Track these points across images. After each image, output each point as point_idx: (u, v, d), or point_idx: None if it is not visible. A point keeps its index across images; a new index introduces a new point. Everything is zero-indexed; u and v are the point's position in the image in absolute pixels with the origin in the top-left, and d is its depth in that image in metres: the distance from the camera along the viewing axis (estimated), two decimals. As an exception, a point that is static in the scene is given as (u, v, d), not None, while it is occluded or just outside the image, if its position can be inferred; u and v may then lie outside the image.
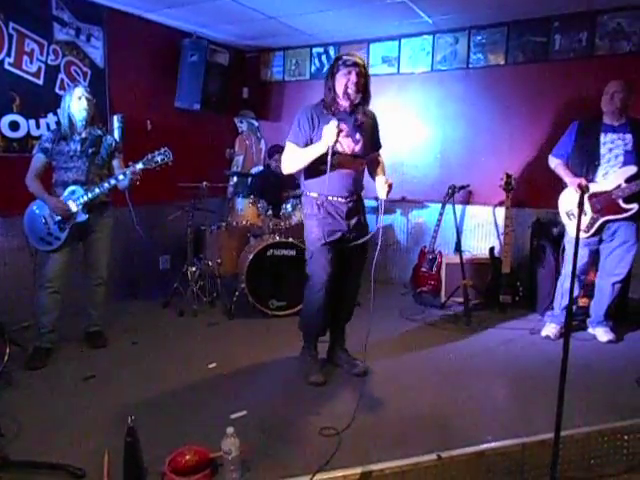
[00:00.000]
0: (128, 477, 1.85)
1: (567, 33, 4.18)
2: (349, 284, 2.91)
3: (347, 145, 2.68)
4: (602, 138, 3.33)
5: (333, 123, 2.49)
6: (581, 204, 1.82)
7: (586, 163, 3.37)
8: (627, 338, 3.53)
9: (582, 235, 3.38)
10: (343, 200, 2.72)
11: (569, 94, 4.21)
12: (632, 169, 3.23)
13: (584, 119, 3.49)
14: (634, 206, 3.23)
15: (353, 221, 2.76)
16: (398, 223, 5.11)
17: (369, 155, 2.83)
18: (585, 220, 3.36)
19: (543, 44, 4.29)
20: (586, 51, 4.13)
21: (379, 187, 2.67)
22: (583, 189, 1.95)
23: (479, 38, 4.55)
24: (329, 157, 2.52)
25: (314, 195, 2.74)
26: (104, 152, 3.11)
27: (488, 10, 4.11)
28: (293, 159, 2.70)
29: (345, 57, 2.64)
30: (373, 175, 2.86)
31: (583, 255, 3.39)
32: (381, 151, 2.98)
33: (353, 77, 2.59)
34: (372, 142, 2.83)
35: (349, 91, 2.61)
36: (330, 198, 2.71)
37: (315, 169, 2.67)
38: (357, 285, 2.96)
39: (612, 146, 3.31)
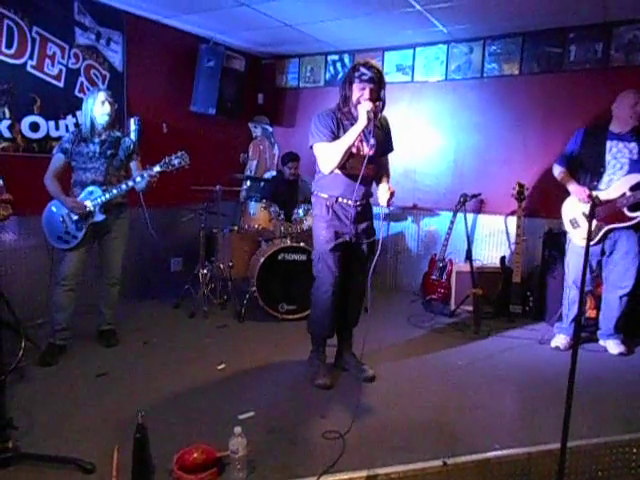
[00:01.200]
0: (136, 473, 1.88)
1: (582, 44, 4.18)
2: (355, 288, 2.92)
3: (361, 149, 2.70)
4: (608, 145, 3.34)
5: (368, 103, 2.53)
6: (592, 215, 1.82)
7: (591, 169, 3.38)
8: (638, 351, 3.50)
9: (585, 243, 3.36)
10: (352, 203, 2.74)
11: (583, 105, 4.21)
12: (637, 177, 3.23)
13: (590, 126, 3.50)
14: (639, 214, 3.22)
15: (361, 226, 2.80)
16: (409, 230, 5.12)
17: (380, 159, 2.86)
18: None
19: (558, 55, 4.29)
20: (601, 62, 4.13)
21: (381, 194, 2.69)
22: (594, 200, 1.94)
23: (494, 48, 4.56)
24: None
25: (324, 196, 2.77)
26: (122, 154, 3.17)
27: (503, 21, 4.13)
28: (331, 152, 2.61)
29: (362, 70, 2.60)
30: (377, 181, 2.87)
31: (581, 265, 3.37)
32: (394, 158, 3.00)
33: (367, 94, 2.62)
34: (385, 147, 2.87)
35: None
36: (340, 200, 2.74)
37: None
38: (363, 289, 2.97)
39: (617, 154, 3.32)
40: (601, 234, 3.33)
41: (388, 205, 2.68)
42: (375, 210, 3.02)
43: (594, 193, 3.29)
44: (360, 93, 2.62)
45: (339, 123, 2.69)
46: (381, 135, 2.80)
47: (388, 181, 2.86)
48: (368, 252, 2.87)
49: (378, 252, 2.64)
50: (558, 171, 3.57)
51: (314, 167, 2.85)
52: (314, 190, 2.86)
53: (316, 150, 2.70)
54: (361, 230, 2.81)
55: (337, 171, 2.72)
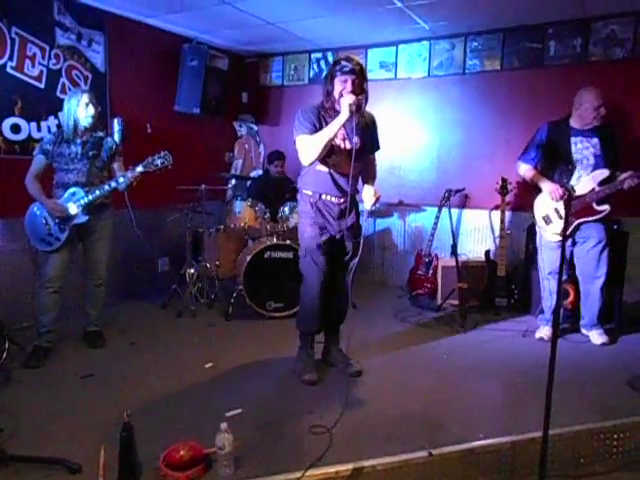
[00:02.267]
0: (123, 471, 1.88)
1: (562, 39, 4.24)
2: (341, 286, 2.92)
3: (345, 147, 2.71)
4: (572, 141, 3.42)
5: (350, 96, 2.54)
6: (568, 208, 1.86)
7: (560, 167, 3.46)
8: (621, 341, 3.56)
9: (556, 238, 3.49)
10: (336, 200, 2.76)
11: (564, 99, 4.22)
12: (604, 172, 3.34)
13: (552, 122, 3.56)
14: (606, 207, 3.35)
15: (345, 222, 2.80)
16: (395, 226, 5.15)
17: (366, 157, 2.87)
18: (561, 223, 3.44)
19: (538, 50, 4.35)
20: (580, 57, 4.19)
21: (366, 197, 2.71)
22: (570, 193, 1.98)
23: (475, 44, 4.61)
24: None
25: (308, 193, 2.78)
26: (104, 155, 3.16)
27: (484, 17, 4.18)
28: (311, 143, 2.60)
29: (343, 62, 2.63)
30: (363, 181, 2.89)
31: (557, 258, 3.46)
32: (379, 155, 3.00)
33: (349, 86, 2.61)
34: (370, 144, 2.86)
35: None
36: (324, 197, 2.75)
37: (312, 168, 2.73)
38: (349, 285, 2.92)
39: (584, 150, 3.40)
40: (572, 228, 3.42)
41: (372, 206, 2.70)
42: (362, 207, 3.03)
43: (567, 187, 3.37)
44: (342, 86, 2.62)
45: (321, 118, 2.69)
46: (366, 133, 2.79)
47: (373, 183, 2.85)
48: (353, 250, 2.87)
49: (359, 253, 2.67)
50: (525, 169, 3.60)
51: (300, 165, 2.85)
52: (299, 187, 2.87)
53: (298, 142, 2.69)
54: (346, 227, 2.81)
55: (321, 168, 2.73)
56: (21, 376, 2.84)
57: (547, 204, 3.52)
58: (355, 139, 2.61)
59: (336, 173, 2.72)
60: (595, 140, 3.39)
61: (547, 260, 3.59)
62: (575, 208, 3.33)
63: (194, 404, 2.58)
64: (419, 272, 4.56)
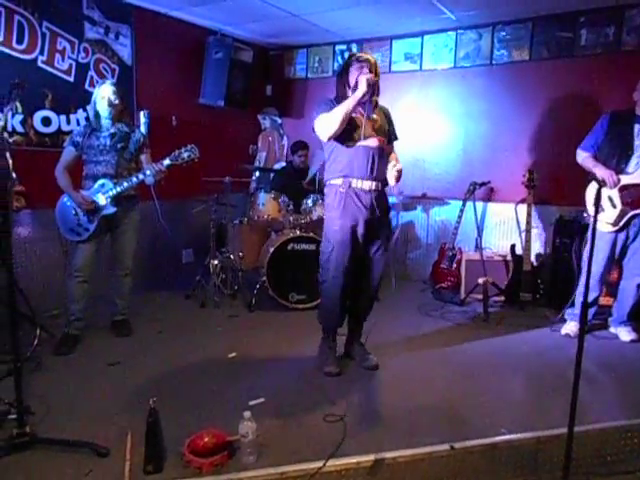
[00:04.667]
0: (149, 456, 1.93)
1: (594, 28, 4.12)
2: (367, 280, 2.88)
3: (366, 122, 2.68)
4: (636, 128, 3.25)
5: (367, 74, 2.59)
6: (598, 199, 1.81)
7: (618, 153, 3.29)
8: (650, 338, 3.48)
9: (609, 228, 3.32)
10: (367, 188, 2.69)
11: (595, 90, 4.15)
12: None
13: (616, 111, 3.42)
14: None
15: (375, 214, 2.74)
16: (419, 220, 5.11)
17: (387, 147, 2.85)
18: (614, 213, 3.30)
19: (569, 39, 4.24)
20: (613, 46, 4.07)
21: (388, 171, 2.70)
22: (600, 184, 1.91)
23: (503, 34, 4.52)
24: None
25: (337, 182, 2.73)
26: (132, 147, 3.21)
27: (513, 5, 4.08)
28: (330, 116, 2.60)
29: (358, 54, 2.76)
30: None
31: (606, 251, 3.33)
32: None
33: (365, 71, 2.65)
34: (389, 134, 2.86)
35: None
36: (354, 185, 2.69)
37: (339, 148, 2.72)
38: (377, 281, 2.90)
39: None
40: (626, 219, 3.26)
41: (396, 181, 2.68)
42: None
43: (621, 177, 3.22)
44: (358, 72, 2.67)
45: None
46: (383, 119, 2.81)
47: (397, 161, 2.81)
48: (383, 244, 2.82)
49: (389, 247, 2.65)
50: (582, 157, 3.46)
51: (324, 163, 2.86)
52: (326, 180, 2.85)
53: (316, 122, 2.69)
54: (376, 219, 2.75)
55: (349, 143, 2.69)
56: (51, 363, 2.93)
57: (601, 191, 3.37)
58: (374, 115, 2.70)
59: (364, 148, 2.67)
60: None
61: (597, 255, 3.29)
62: (631, 197, 3.19)
63: (217, 392, 2.62)
64: (442, 266, 4.52)
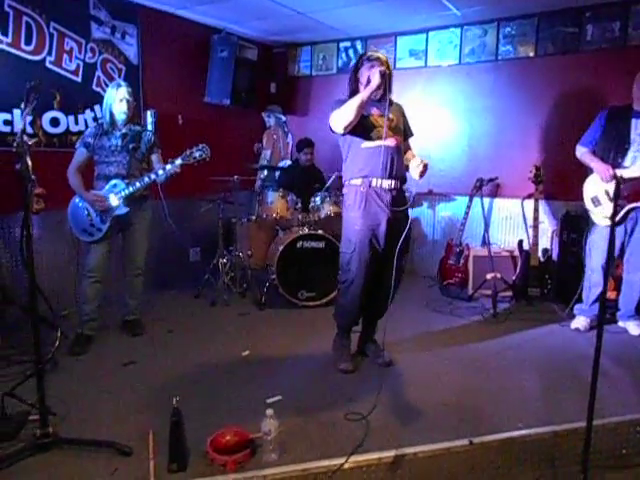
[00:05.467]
0: (174, 454, 1.94)
1: (599, 23, 4.13)
2: (386, 280, 2.82)
3: (382, 121, 2.70)
4: (633, 122, 3.30)
5: (380, 67, 2.60)
6: (616, 196, 1.83)
7: (615, 147, 3.34)
8: (659, 332, 3.50)
9: (606, 222, 3.36)
10: (387, 187, 2.70)
11: (601, 85, 4.16)
12: None
13: (614, 106, 3.48)
14: None
15: (396, 213, 2.74)
16: (425, 216, 5.13)
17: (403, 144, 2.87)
18: (611, 207, 3.31)
19: (574, 35, 4.25)
20: (619, 41, 4.08)
21: (413, 167, 2.70)
22: (618, 179, 1.93)
23: (508, 30, 4.52)
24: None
25: (357, 182, 2.73)
26: (144, 147, 3.22)
27: (518, 1, 4.09)
28: (344, 108, 2.61)
29: (369, 53, 2.79)
30: (406, 164, 2.85)
31: (605, 244, 3.34)
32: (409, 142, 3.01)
33: (377, 67, 2.66)
34: (405, 131, 2.88)
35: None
36: (374, 184, 2.69)
37: (357, 148, 2.73)
38: (396, 283, 2.81)
39: None
40: (623, 213, 3.30)
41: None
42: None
43: (618, 172, 3.26)
44: (369, 71, 2.69)
45: None
46: (398, 117, 2.83)
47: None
48: (403, 242, 2.77)
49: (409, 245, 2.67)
50: (581, 152, 3.52)
51: (339, 163, 2.86)
52: (345, 180, 2.84)
53: (331, 117, 2.70)
54: (396, 218, 2.74)
55: (367, 144, 2.70)
56: (66, 363, 2.94)
57: (597, 185, 3.41)
58: (390, 115, 2.71)
59: (382, 148, 2.66)
60: None
61: (597, 249, 3.41)
62: (628, 191, 3.23)
63: (234, 390, 2.64)
64: (450, 262, 4.53)
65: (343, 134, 2.71)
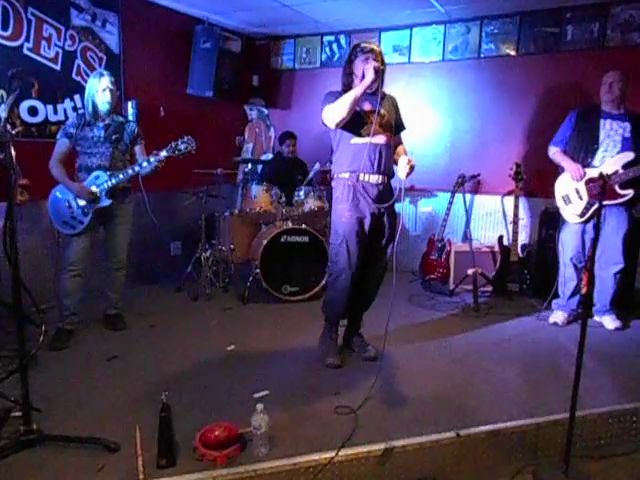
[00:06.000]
0: (163, 450, 1.92)
1: (579, 24, 4.22)
2: (374, 275, 2.91)
3: (374, 116, 2.70)
4: (602, 123, 3.42)
5: (374, 62, 2.59)
6: (602, 194, 1.88)
7: (584, 147, 3.46)
8: (633, 325, 3.61)
9: (576, 220, 3.50)
10: (374, 181, 2.73)
11: (580, 85, 4.26)
12: (629, 155, 3.33)
13: (583, 106, 3.61)
14: (629, 192, 3.34)
15: (383, 207, 2.77)
16: (407, 211, 5.17)
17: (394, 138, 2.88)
18: (581, 205, 3.46)
19: (555, 35, 4.33)
20: (597, 42, 4.18)
21: (400, 166, 2.72)
22: (604, 178, 1.98)
23: (491, 28, 4.58)
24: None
25: (345, 176, 2.75)
26: (127, 138, 3.16)
27: (501, 0, 4.13)
28: (337, 103, 2.61)
29: (363, 44, 2.73)
30: (395, 158, 2.88)
31: (577, 244, 3.52)
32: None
33: (371, 60, 2.65)
34: (397, 124, 2.90)
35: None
36: (362, 178, 2.72)
37: (346, 143, 2.74)
38: (381, 275, 2.94)
39: (611, 132, 3.41)
40: (592, 210, 3.42)
41: (407, 176, 2.69)
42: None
43: (587, 171, 3.39)
44: (363, 64, 2.67)
45: None
46: (391, 112, 2.84)
47: (406, 155, 2.84)
48: (390, 234, 2.85)
49: (397, 237, 2.69)
50: (553, 151, 3.65)
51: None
52: (333, 173, 2.86)
53: (324, 112, 2.68)
54: (383, 211, 2.80)
55: (356, 140, 2.71)
56: (46, 358, 2.87)
57: (568, 184, 3.52)
58: (382, 110, 2.71)
59: (371, 144, 2.68)
60: (626, 124, 3.38)
61: (567, 244, 3.59)
62: (597, 190, 3.34)
63: (221, 385, 2.62)
64: (432, 257, 4.58)
65: (334, 129, 2.72)
